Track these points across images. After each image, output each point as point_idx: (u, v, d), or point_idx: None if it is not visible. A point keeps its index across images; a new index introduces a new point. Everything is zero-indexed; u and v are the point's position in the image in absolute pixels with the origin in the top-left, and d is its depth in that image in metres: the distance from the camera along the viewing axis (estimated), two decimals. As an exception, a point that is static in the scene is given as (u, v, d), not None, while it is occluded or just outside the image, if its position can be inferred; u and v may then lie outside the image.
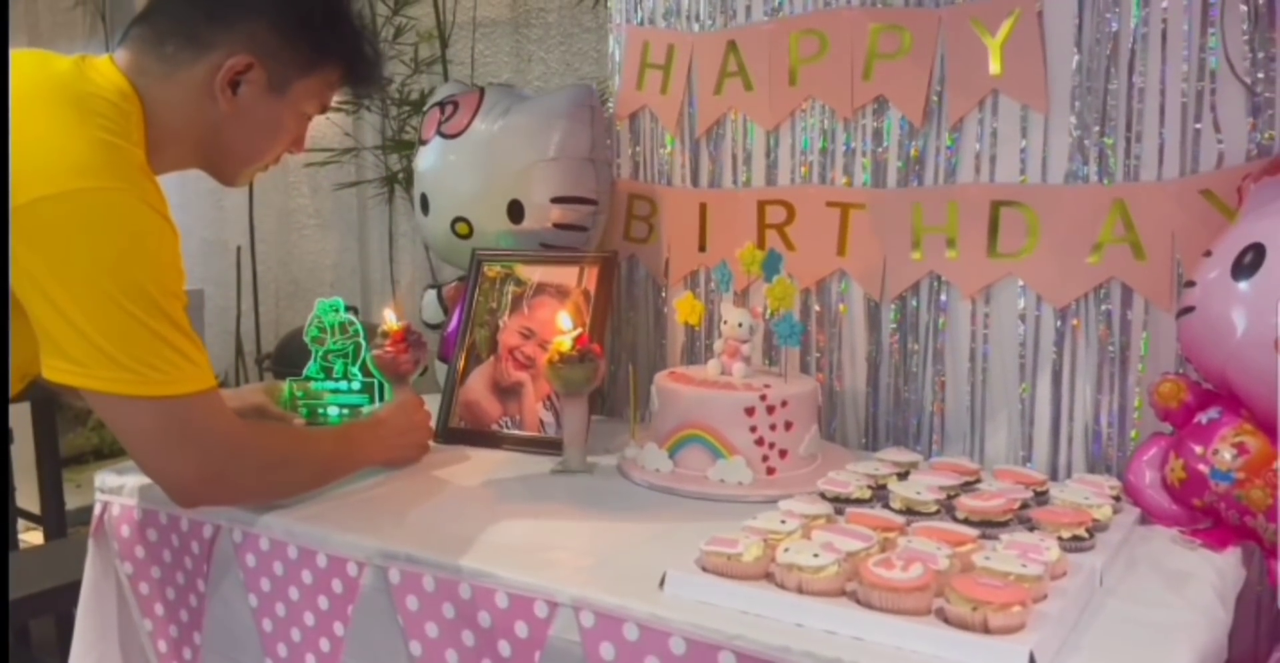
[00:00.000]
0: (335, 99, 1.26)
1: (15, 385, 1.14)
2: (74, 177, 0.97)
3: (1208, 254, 1.14)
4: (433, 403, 1.58)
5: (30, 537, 2.66)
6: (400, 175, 3.70)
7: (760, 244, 1.56)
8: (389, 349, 1.43)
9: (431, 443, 1.52)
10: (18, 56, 1.08)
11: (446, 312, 1.80)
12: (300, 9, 1.14)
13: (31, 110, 1.00)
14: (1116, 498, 1.15)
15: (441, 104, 1.72)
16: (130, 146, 1.04)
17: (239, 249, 4.36)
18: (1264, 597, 1.17)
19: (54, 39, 4.89)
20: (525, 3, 3.67)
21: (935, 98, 1.41)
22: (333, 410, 1.51)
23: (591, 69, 3.53)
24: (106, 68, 1.10)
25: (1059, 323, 1.36)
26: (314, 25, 1.15)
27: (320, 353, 1.53)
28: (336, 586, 1.13)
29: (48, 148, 0.99)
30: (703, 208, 1.63)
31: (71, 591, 1.71)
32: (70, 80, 1.06)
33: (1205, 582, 1.00)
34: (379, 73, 1.26)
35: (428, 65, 3.65)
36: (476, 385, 1.55)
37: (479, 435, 1.52)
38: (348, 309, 3.40)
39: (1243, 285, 1.07)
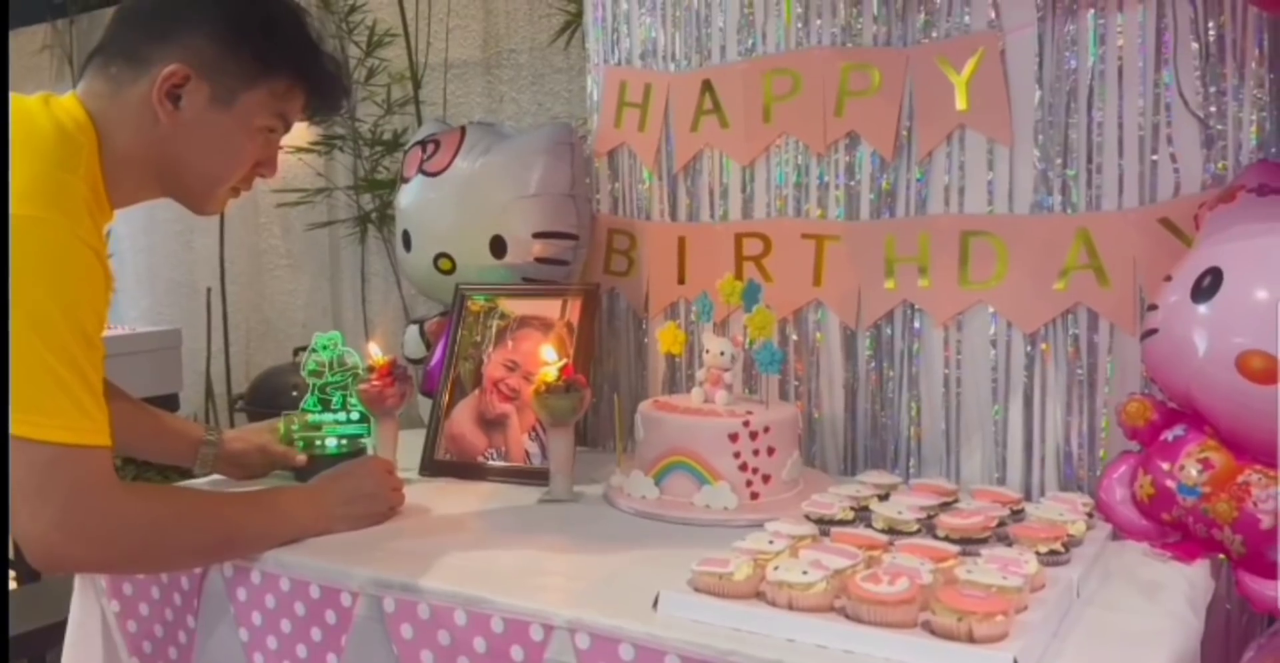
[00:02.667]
0: (304, 115, 1.22)
1: None
2: (13, 202, 0.97)
3: (1168, 279, 1.19)
4: (417, 437, 1.60)
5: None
6: (373, 215, 3.73)
7: (738, 276, 1.60)
8: (375, 383, 1.45)
9: (416, 476, 1.54)
10: None
11: (429, 346, 1.82)
12: (238, 20, 1.13)
13: None
14: (1089, 514, 1.18)
15: (423, 143, 1.76)
16: (76, 180, 1.04)
17: (209, 290, 4.35)
18: (1232, 607, 1.21)
19: (21, 83, 4.87)
20: (497, 44, 3.73)
21: (905, 133, 1.47)
22: (330, 442, 1.52)
23: (564, 108, 3.58)
24: (68, 102, 1.11)
25: (1029, 348, 1.40)
26: (253, 35, 1.13)
27: (317, 386, 1.55)
28: (330, 616, 1.13)
29: None
30: (681, 241, 1.67)
31: (47, 634, 1.69)
32: (27, 117, 1.06)
33: (1178, 591, 1.03)
34: (337, 85, 1.21)
35: (400, 106, 3.70)
36: (462, 418, 1.57)
37: (465, 468, 1.54)
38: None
39: (1202, 308, 1.13)
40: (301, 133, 3.73)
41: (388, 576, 1.10)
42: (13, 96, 1.09)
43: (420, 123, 3.58)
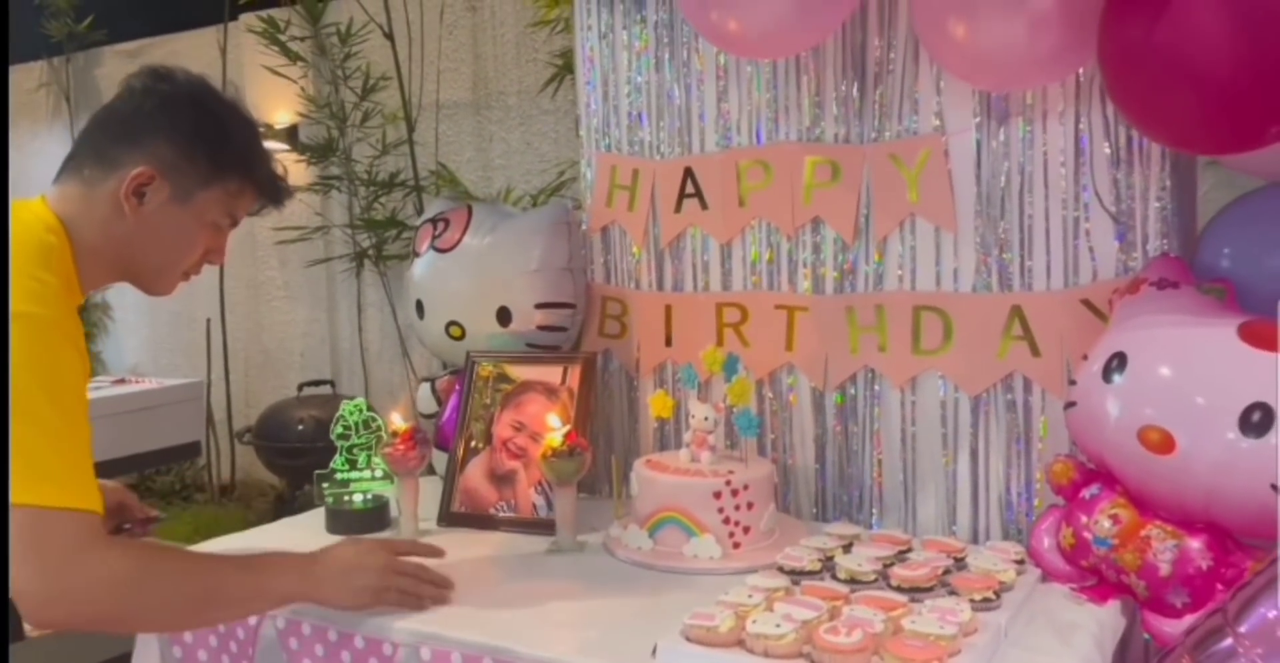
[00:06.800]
0: (248, 211, 1.38)
1: None
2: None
3: (1085, 358, 1.40)
4: (426, 484, 1.78)
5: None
6: (370, 251, 3.91)
7: (719, 341, 1.80)
8: (399, 447, 1.63)
9: (435, 526, 1.72)
10: None
11: (440, 403, 2.01)
12: (194, 127, 1.28)
13: None
14: (1020, 562, 1.39)
15: (433, 220, 1.95)
16: (53, 278, 1.16)
17: (208, 321, 4.51)
18: (1149, 639, 1.41)
19: (18, 120, 5.03)
20: (486, 86, 3.93)
21: (863, 219, 1.67)
22: (357, 497, 1.71)
23: (550, 148, 3.79)
24: (36, 207, 1.26)
25: (974, 409, 1.60)
26: (208, 141, 1.28)
27: (345, 447, 1.74)
28: (373, 663, 1.32)
29: None
30: (668, 309, 1.87)
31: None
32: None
33: (1088, 634, 1.24)
34: (280, 186, 1.37)
35: (394, 147, 3.88)
36: (474, 473, 1.76)
37: (478, 519, 1.73)
38: (322, 383, 3.56)
39: (1110, 386, 1.33)
40: (300, 174, 3.92)
41: (424, 628, 1.29)
42: None
43: (415, 162, 3.78)
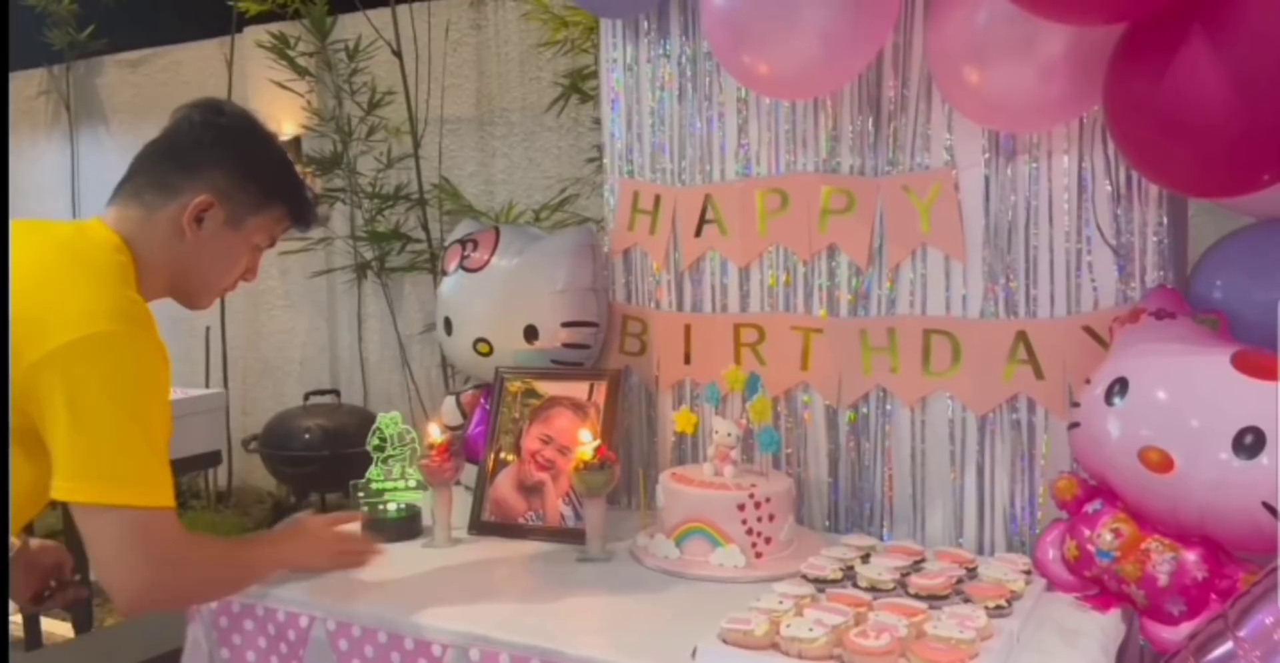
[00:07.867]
0: (283, 233, 1.51)
1: (16, 522, 1.33)
2: (96, 322, 1.21)
3: (1087, 382, 1.50)
4: (461, 496, 1.86)
5: (54, 626, 2.79)
6: (373, 263, 3.98)
7: (736, 359, 1.89)
8: (435, 459, 1.71)
9: (466, 535, 1.80)
10: (18, 226, 1.33)
11: (465, 416, 2.09)
12: (250, 159, 1.41)
13: (55, 274, 1.26)
14: (1027, 572, 1.49)
15: (462, 241, 2.03)
16: (136, 295, 1.29)
17: (207, 329, 4.55)
18: (1145, 646, 1.51)
19: (18, 126, 5.06)
20: (490, 102, 4.01)
21: (877, 247, 1.77)
22: (392, 507, 1.78)
23: (553, 164, 3.87)
24: (99, 228, 1.36)
25: (980, 427, 1.70)
26: (259, 171, 1.42)
27: (381, 458, 1.81)
28: (422, 664, 1.40)
29: (73, 302, 1.22)
30: (687, 328, 1.96)
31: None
32: (74, 244, 1.31)
33: (1093, 639, 1.33)
34: (314, 211, 1.53)
35: (399, 161, 3.96)
36: (504, 484, 1.84)
37: (508, 528, 1.81)
38: (327, 393, 3.62)
39: (1112, 409, 1.43)
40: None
41: (474, 630, 1.37)
42: (46, 225, 1.35)
43: (420, 176, 3.85)
